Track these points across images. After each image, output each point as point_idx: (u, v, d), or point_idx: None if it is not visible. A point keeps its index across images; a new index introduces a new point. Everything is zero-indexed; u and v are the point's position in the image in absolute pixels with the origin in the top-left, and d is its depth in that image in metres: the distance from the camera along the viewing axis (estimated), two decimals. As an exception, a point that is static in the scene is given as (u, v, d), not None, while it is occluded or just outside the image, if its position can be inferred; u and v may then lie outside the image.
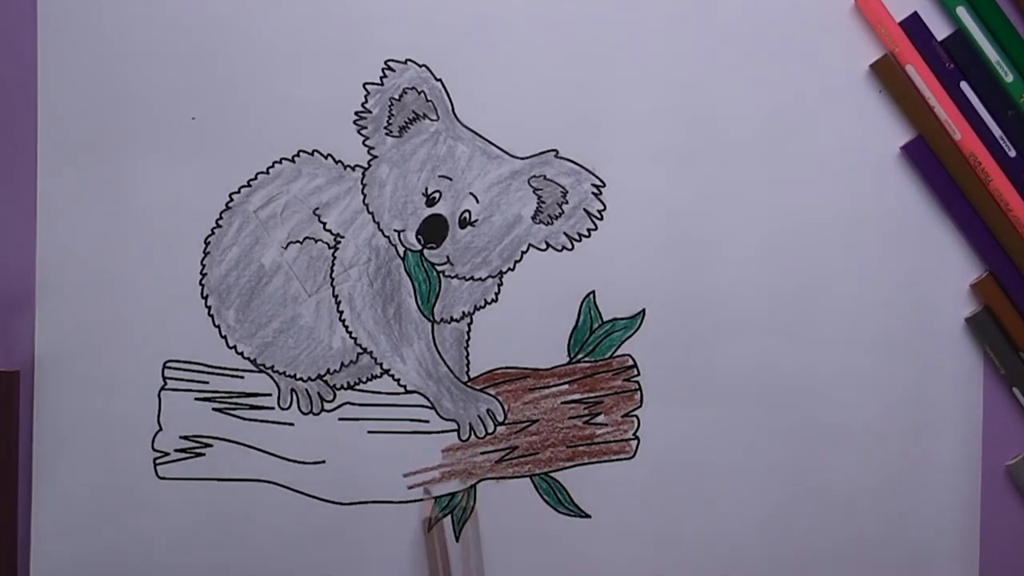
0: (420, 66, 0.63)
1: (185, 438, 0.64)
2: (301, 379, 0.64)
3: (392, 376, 0.64)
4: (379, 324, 0.64)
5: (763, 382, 0.64)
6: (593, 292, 0.64)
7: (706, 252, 0.64)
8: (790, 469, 0.65)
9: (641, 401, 0.65)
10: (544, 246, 0.64)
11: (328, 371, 0.64)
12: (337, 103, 0.63)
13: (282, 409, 0.64)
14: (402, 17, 0.63)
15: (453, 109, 0.63)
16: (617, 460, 0.65)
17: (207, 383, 0.64)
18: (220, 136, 0.63)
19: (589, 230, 0.64)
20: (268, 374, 0.64)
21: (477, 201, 0.63)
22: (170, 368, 0.64)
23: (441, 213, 0.63)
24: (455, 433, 0.65)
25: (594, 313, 0.64)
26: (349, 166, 0.63)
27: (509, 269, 0.64)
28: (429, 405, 0.64)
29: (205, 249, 0.64)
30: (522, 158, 0.63)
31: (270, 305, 0.64)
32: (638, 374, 0.64)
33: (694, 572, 0.65)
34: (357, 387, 0.64)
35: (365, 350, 0.64)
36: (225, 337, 0.64)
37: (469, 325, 0.64)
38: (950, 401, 0.64)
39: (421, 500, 0.65)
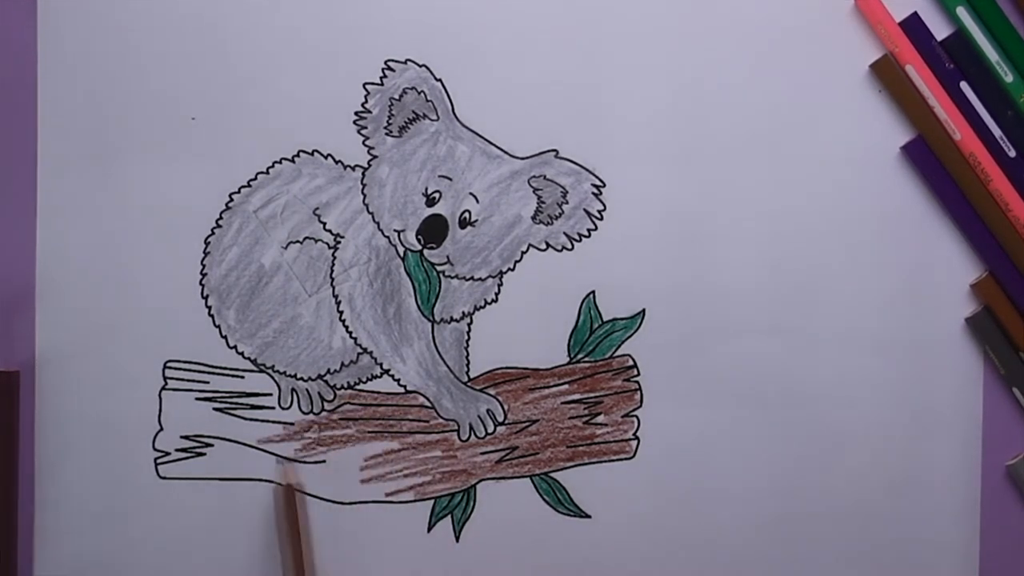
0: (420, 66, 0.63)
1: (186, 438, 0.64)
2: (301, 379, 0.64)
3: (392, 376, 0.64)
4: (379, 324, 0.64)
5: (763, 382, 0.64)
6: (593, 292, 0.64)
7: (706, 252, 0.64)
8: (789, 469, 0.65)
9: (641, 401, 0.65)
10: (544, 246, 0.64)
11: (328, 371, 0.64)
12: (337, 103, 0.63)
13: (282, 409, 0.64)
14: (402, 17, 0.63)
15: (453, 109, 0.63)
16: (617, 460, 0.65)
17: (207, 383, 0.64)
18: (220, 136, 0.63)
19: (589, 230, 0.64)
20: (268, 374, 0.64)
21: (477, 201, 0.63)
22: (170, 368, 0.64)
23: (441, 213, 0.63)
24: (455, 433, 0.65)
25: (594, 313, 0.64)
26: (349, 166, 0.63)
27: (509, 269, 0.64)
28: (429, 405, 0.64)
29: (205, 249, 0.64)
30: (522, 158, 0.63)
31: (270, 305, 0.64)
32: (638, 374, 0.64)
33: (694, 572, 0.65)
34: (357, 387, 0.64)
35: (365, 350, 0.64)
36: (225, 337, 0.64)
37: (469, 325, 0.64)
38: (950, 401, 0.64)
39: (417, 501, 0.65)
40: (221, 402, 0.64)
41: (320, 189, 0.63)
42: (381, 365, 0.64)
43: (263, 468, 0.64)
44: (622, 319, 0.64)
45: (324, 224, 0.63)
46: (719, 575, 0.65)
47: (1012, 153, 0.62)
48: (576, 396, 0.65)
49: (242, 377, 0.64)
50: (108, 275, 0.64)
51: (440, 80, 0.63)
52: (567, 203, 0.64)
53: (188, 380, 0.64)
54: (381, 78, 0.63)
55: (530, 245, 0.64)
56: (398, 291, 0.64)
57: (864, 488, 0.65)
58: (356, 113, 0.63)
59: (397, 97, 0.63)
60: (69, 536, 0.64)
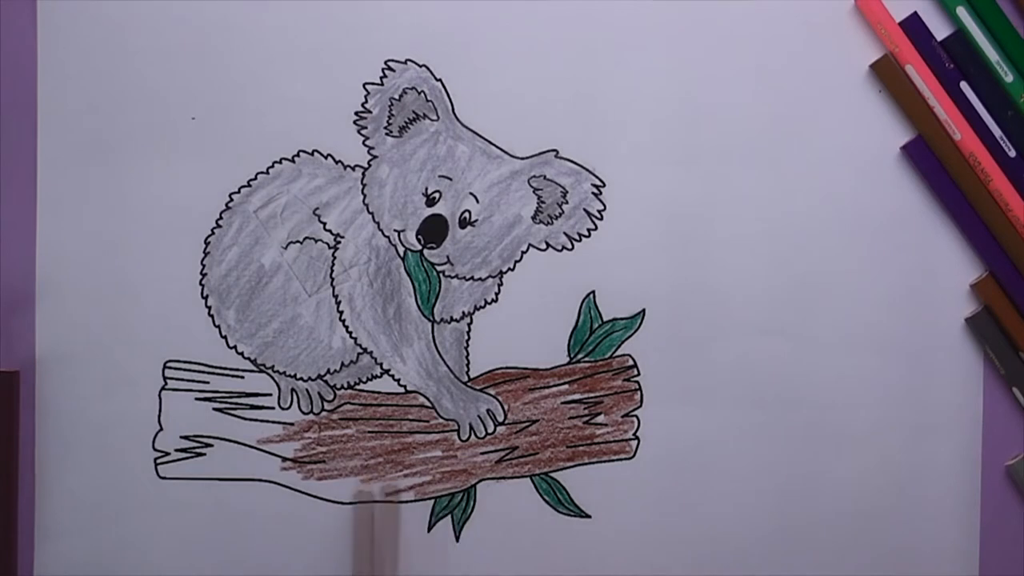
0: (420, 66, 0.63)
1: (186, 438, 0.64)
2: (301, 379, 0.64)
3: (392, 376, 0.64)
4: (379, 324, 0.64)
5: (763, 382, 0.64)
6: (593, 292, 0.64)
7: (706, 252, 0.64)
8: (790, 469, 0.65)
9: (641, 401, 0.65)
10: (544, 246, 0.64)
11: (328, 371, 0.64)
12: (337, 103, 0.63)
13: (282, 409, 0.64)
14: (402, 17, 0.63)
15: (453, 109, 0.63)
16: (617, 460, 0.65)
17: (207, 383, 0.64)
18: (220, 136, 0.63)
19: (589, 230, 0.64)
20: (268, 374, 0.64)
21: (477, 201, 0.63)
22: (170, 368, 0.64)
23: (441, 213, 0.63)
24: (455, 433, 0.65)
25: (594, 313, 0.64)
26: (349, 166, 0.63)
27: (509, 269, 0.64)
28: (429, 405, 0.64)
29: (205, 249, 0.64)
30: (522, 158, 0.63)
31: (270, 305, 0.64)
32: (638, 374, 0.64)
33: (694, 572, 0.65)
34: (357, 387, 0.64)
35: (365, 350, 0.64)
36: (225, 337, 0.64)
37: (469, 325, 0.64)
38: (950, 401, 0.64)
39: (417, 501, 0.65)
40: (221, 402, 0.64)
41: (320, 189, 0.63)
42: (381, 365, 0.64)
43: (263, 468, 0.64)
44: (622, 319, 0.64)
45: (324, 224, 0.63)
46: (719, 575, 0.65)
47: (1012, 153, 0.63)
48: (576, 396, 0.65)
49: (242, 377, 0.64)
50: (108, 275, 0.64)
51: (440, 80, 0.63)
52: (567, 203, 0.64)
53: (188, 380, 0.64)
54: (381, 78, 0.63)
55: (530, 245, 0.64)
56: (398, 291, 0.64)
57: (864, 488, 0.65)
58: (356, 113, 0.63)
59: (397, 97, 0.63)
60: (69, 536, 0.64)
